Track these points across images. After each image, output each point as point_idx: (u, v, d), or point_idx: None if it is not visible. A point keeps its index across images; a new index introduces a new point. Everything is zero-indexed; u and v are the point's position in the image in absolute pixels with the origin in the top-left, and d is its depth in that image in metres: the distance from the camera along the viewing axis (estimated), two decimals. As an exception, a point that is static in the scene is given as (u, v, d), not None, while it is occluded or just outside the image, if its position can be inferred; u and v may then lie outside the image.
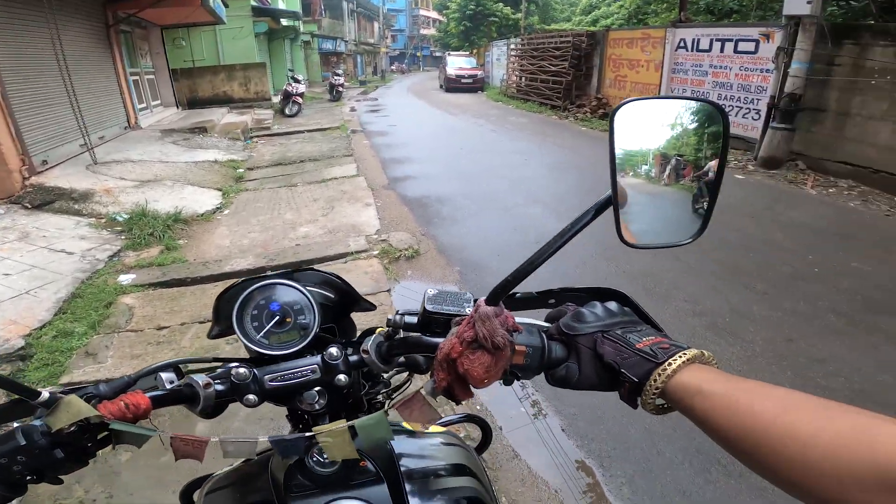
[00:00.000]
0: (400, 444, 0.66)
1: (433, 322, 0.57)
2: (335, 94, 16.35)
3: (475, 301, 0.56)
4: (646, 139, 0.55)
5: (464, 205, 5.05)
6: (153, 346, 2.67)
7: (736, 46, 7.50)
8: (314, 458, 0.59)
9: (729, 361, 2.50)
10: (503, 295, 0.51)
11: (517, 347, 0.50)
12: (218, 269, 3.54)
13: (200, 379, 0.56)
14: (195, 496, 0.77)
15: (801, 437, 0.34)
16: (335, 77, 16.78)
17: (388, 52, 45.09)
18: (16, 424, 0.51)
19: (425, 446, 0.71)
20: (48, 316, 2.88)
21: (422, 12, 53.19)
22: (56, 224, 4.27)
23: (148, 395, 0.54)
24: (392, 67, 45.02)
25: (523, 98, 14.45)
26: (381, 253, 3.76)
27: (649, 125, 0.55)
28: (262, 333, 0.62)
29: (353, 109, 14.02)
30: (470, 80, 19.16)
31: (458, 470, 0.67)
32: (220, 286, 3.27)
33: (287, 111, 12.24)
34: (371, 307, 0.73)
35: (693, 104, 0.56)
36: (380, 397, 0.73)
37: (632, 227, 0.55)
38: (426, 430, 0.75)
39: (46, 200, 4.66)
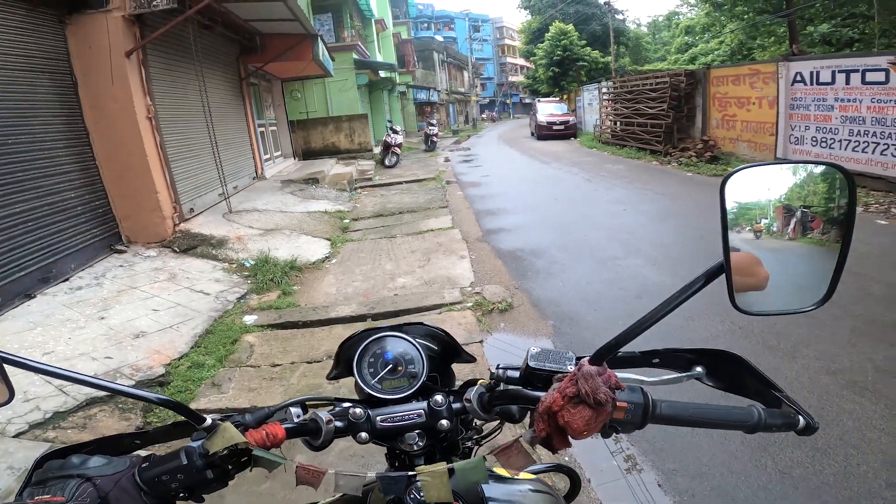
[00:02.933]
0: (490, 488, 0.68)
1: (535, 377, 0.60)
2: (430, 143, 17.16)
3: (577, 360, 0.59)
4: (763, 196, 0.53)
5: (558, 257, 4.97)
6: (267, 381, 2.92)
7: (863, 77, 6.70)
8: (412, 496, 0.62)
9: (871, 420, 2.21)
10: (607, 356, 0.54)
11: (619, 404, 0.52)
12: (325, 314, 3.82)
13: (323, 415, 0.63)
14: None
15: None
16: (430, 127, 17.61)
17: (479, 101, 46.92)
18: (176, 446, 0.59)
19: (514, 492, 0.72)
20: (186, 348, 3.28)
21: (508, 60, 54.98)
22: (198, 267, 4.92)
23: (283, 426, 0.61)
24: (483, 116, 46.57)
25: (619, 143, 13.97)
26: (475, 305, 3.81)
27: (764, 190, 0.53)
28: (376, 379, 0.70)
29: (447, 160, 14.61)
30: (562, 127, 18.91)
31: None
32: (327, 331, 3.55)
33: (387, 162, 13.04)
34: (471, 360, 0.79)
35: (812, 168, 0.54)
36: (469, 443, 0.77)
37: (748, 292, 0.52)
38: (516, 477, 0.76)
39: (191, 245, 5.38)
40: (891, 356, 2.70)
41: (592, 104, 18.61)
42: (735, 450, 2.08)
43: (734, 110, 9.68)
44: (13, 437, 2.32)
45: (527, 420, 0.73)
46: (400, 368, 0.71)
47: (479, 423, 0.79)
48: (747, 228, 0.53)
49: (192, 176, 6.44)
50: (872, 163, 6.62)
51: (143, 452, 0.61)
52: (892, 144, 6.39)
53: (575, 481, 0.87)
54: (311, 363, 3.10)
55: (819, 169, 0.54)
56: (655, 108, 11.85)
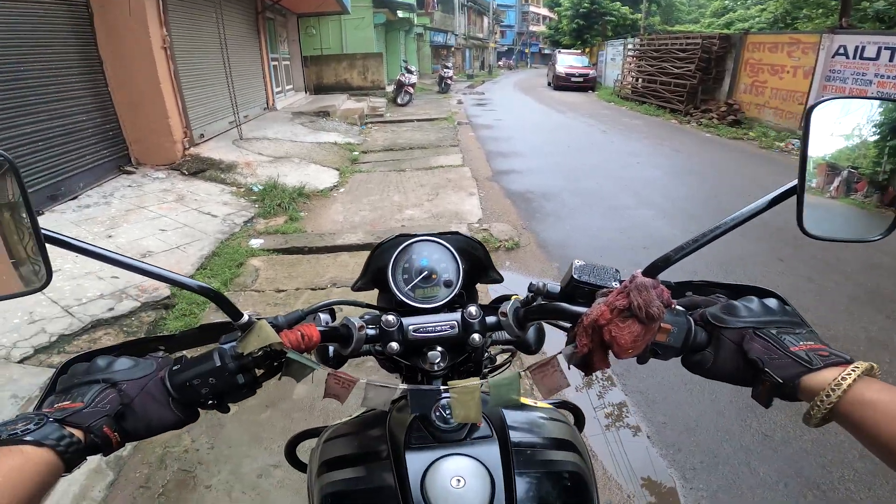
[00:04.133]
0: (510, 414, 0.67)
1: (577, 292, 0.56)
2: (444, 86, 16.70)
3: (624, 277, 0.55)
4: (826, 145, 0.51)
5: (568, 202, 4.91)
6: (271, 306, 2.92)
7: (911, 57, 6.54)
8: (437, 413, 0.60)
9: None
10: (662, 269, 0.50)
11: (663, 325, 0.49)
12: (331, 241, 3.82)
13: (356, 321, 0.61)
14: (298, 450, 0.83)
15: None
16: (444, 70, 17.10)
17: (497, 48, 44.96)
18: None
19: (534, 418, 0.71)
20: (191, 270, 3.27)
21: (532, 9, 52.24)
22: (206, 190, 4.89)
23: (317, 328, 0.58)
24: (499, 63, 44.85)
25: (638, 100, 13.64)
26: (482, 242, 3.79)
27: (843, 129, 0.51)
28: (409, 286, 0.67)
29: (459, 102, 14.26)
30: (580, 79, 18.38)
31: (562, 444, 0.67)
32: (332, 258, 3.55)
33: (399, 100, 12.72)
34: (499, 279, 0.76)
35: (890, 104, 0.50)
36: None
37: (814, 218, 0.51)
38: (535, 405, 0.75)
39: (200, 169, 5.36)
40: (885, 328, 2.71)
41: (615, 59, 17.96)
42: (723, 408, 2.12)
43: (765, 77, 9.51)
44: (18, 362, 2.24)
45: (547, 346, 0.71)
46: (434, 277, 0.67)
47: (492, 352, 0.77)
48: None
49: (204, 103, 6.50)
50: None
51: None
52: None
53: (579, 418, 0.87)
54: (315, 290, 3.10)
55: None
56: (682, 67, 11.54)
